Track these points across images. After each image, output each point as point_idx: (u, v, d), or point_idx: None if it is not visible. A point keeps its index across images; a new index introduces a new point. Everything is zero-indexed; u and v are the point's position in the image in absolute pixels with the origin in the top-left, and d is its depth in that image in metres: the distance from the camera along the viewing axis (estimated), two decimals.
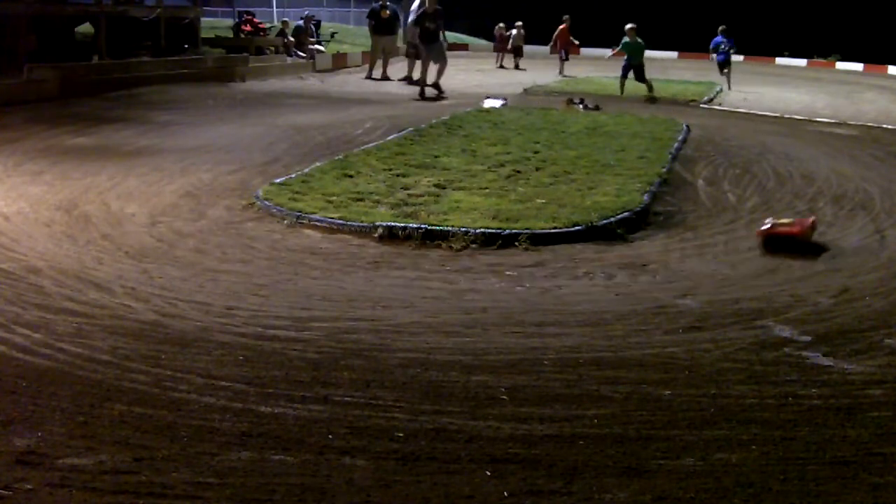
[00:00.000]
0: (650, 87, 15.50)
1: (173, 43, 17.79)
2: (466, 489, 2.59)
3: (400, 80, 17.71)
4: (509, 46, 24.07)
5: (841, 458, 2.85)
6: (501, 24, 24.83)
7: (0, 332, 3.72)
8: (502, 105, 13.09)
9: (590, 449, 2.86)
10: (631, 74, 15.47)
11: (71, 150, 8.59)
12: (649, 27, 18.97)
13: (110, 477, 2.57)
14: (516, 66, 23.44)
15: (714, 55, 19.25)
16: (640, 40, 14.86)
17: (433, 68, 15.44)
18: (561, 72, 21.56)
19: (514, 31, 24.11)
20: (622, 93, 14.68)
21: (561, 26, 21.92)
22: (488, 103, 13.10)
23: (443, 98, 13.93)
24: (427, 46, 15.34)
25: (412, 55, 17.84)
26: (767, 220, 5.89)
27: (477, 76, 20.85)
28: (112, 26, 16.18)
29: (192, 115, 11.57)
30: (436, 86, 15.08)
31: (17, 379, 3.25)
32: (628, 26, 15.13)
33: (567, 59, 22.01)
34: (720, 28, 20.19)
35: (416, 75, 17.66)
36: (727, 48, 19.57)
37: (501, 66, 23.59)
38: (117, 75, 14.31)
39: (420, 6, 17.43)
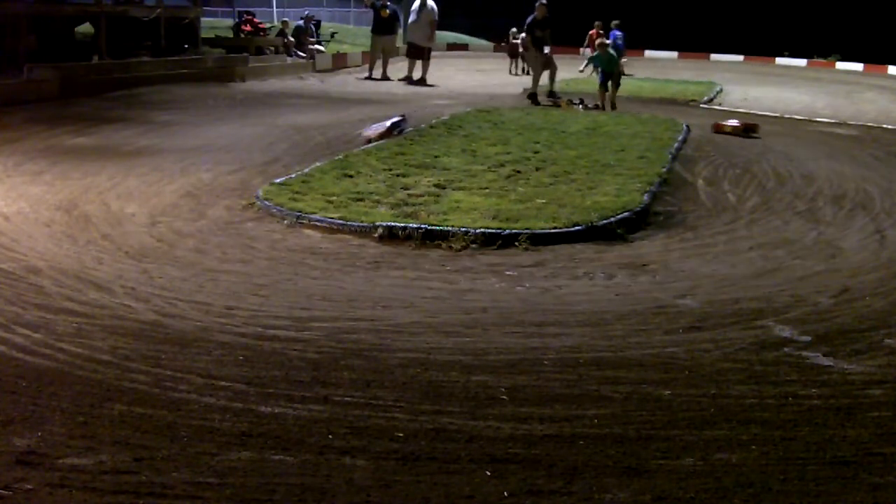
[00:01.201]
0: (615, 90, 14.26)
1: (173, 43, 17.78)
2: (466, 489, 2.59)
3: (400, 79, 17.71)
4: (520, 52, 23.16)
5: (841, 458, 2.85)
6: (514, 29, 22.89)
7: (0, 332, 3.72)
8: (397, 123, 9.83)
9: (590, 449, 2.86)
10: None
11: (71, 150, 8.59)
12: (649, 27, 18.97)
13: (110, 477, 2.57)
14: (524, 71, 22.72)
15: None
16: (612, 52, 14.11)
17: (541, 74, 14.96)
18: (582, 70, 20.44)
19: (522, 37, 23.26)
20: (602, 104, 13.66)
21: (591, 31, 20.31)
22: (371, 131, 9.57)
23: (558, 102, 13.82)
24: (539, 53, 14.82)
25: (412, 55, 17.86)
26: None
27: (477, 76, 20.86)
28: (112, 26, 16.17)
29: (192, 115, 11.58)
30: (552, 93, 14.61)
31: (17, 379, 3.25)
32: (598, 42, 14.64)
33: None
34: (613, 23, 20.05)
35: (417, 75, 17.71)
36: (620, 42, 19.66)
37: (516, 74, 21.90)
38: (117, 75, 14.31)
39: (418, 5, 17.45)
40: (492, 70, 22.88)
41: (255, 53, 19.56)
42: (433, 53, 18.01)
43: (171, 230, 5.77)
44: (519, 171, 7.78)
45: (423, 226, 5.72)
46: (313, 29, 22.33)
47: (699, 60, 29.12)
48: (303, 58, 20.28)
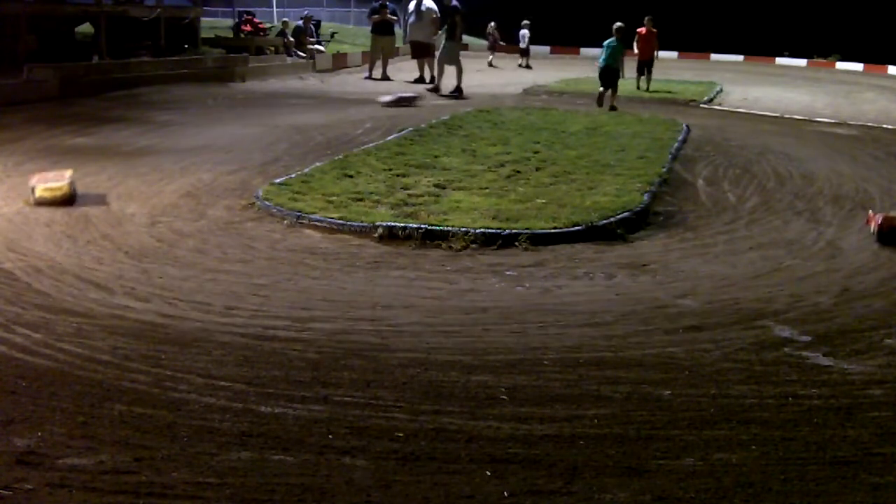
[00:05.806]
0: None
1: (173, 43, 17.79)
2: (466, 489, 2.59)
3: (409, 82, 17.66)
4: (523, 46, 24.13)
5: (841, 458, 2.86)
6: (493, 24, 24.78)
7: (0, 332, 3.72)
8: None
9: (590, 449, 2.86)
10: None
11: (71, 150, 8.59)
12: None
13: (110, 477, 2.57)
14: (527, 66, 23.60)
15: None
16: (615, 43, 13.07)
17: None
18: (647, 88, 17.38)
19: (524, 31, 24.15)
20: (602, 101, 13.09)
21: (640, 29, 17.43)
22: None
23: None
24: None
25: (417, 55, 17.88)
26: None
27: (477, 76, 20.84)
28: (112, 26, 16.17)
29: (192, 115, 11.57)
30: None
31: (17, 379, 3.25)
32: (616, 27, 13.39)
33: (647, 72, 17.57)
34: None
35: (415, 75, 17.69)
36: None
37: (490, 65, 23.42)
38: (117, 75, 14.30)
39: (416, 6, 17.45)
40: (492, 70, 22.90)
41: (255, 53, 19.58)
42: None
43: (171, 230, 5.77)
44: (519, 171, 7.78)
45: (423, 226, 5.72)
46: (313, 29, 22.34)
47: (699, 60, 29.13)
48: (303, 58, 20.28)
